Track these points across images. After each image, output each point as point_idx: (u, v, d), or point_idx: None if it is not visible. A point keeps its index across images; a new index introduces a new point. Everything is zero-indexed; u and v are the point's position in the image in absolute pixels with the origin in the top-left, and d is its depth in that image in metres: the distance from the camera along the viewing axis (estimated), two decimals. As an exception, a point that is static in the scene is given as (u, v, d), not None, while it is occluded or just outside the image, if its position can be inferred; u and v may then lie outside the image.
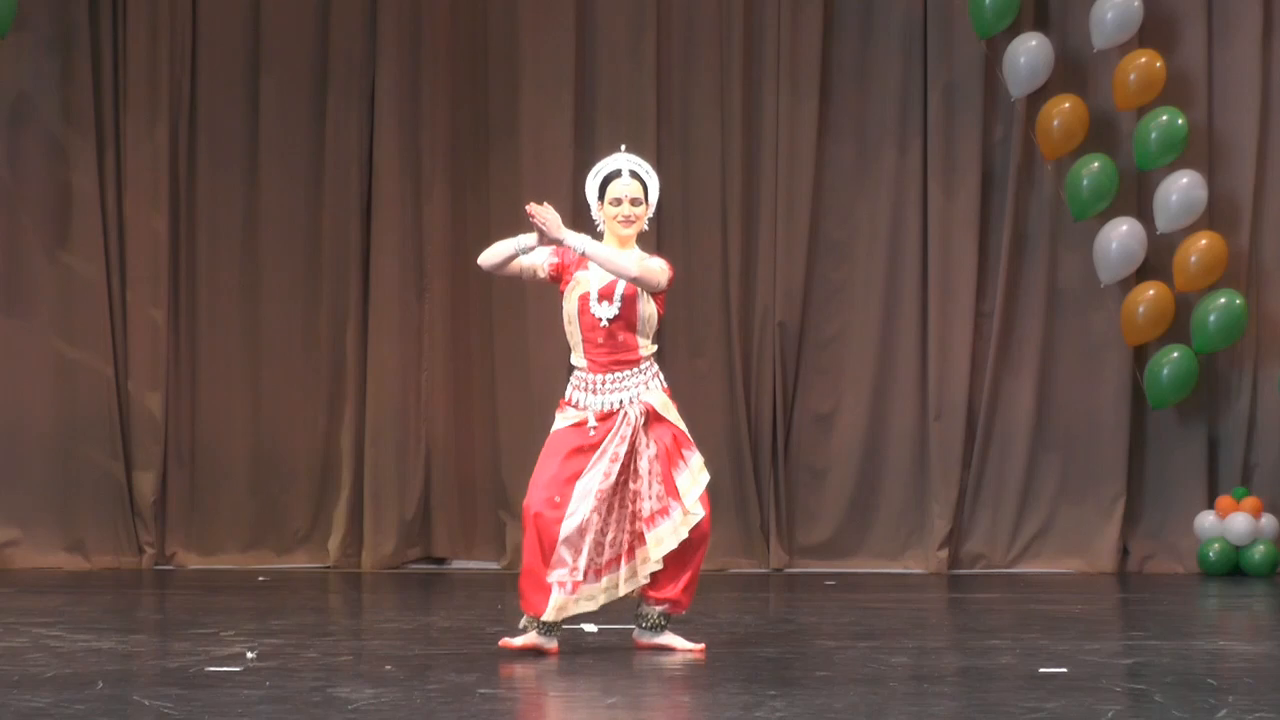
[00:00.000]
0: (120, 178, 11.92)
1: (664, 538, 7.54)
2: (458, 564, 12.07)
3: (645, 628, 7.69)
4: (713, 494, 11.71)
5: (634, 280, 7.59)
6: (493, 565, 11.94)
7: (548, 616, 7.47)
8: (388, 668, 7.10)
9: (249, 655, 7.34)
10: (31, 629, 8.31)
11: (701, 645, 7.70)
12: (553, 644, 7.54)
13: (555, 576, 7.47)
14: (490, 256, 7.64)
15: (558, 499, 7.47)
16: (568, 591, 7.46)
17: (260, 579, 11.19)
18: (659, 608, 7.63)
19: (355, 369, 12.03)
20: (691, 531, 7.57)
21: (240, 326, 12.10)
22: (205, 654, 7.46)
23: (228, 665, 7.09)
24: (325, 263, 12.10)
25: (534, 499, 7.50)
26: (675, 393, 11.78)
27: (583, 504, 7.46)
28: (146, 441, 11.90)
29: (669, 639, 7.68)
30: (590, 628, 8.14)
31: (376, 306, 12.01)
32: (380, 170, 12.04)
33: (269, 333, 12.11)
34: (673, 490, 7.56)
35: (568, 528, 7.44)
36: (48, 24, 11.81)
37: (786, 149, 12.03)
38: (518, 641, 7.53)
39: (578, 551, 7.45)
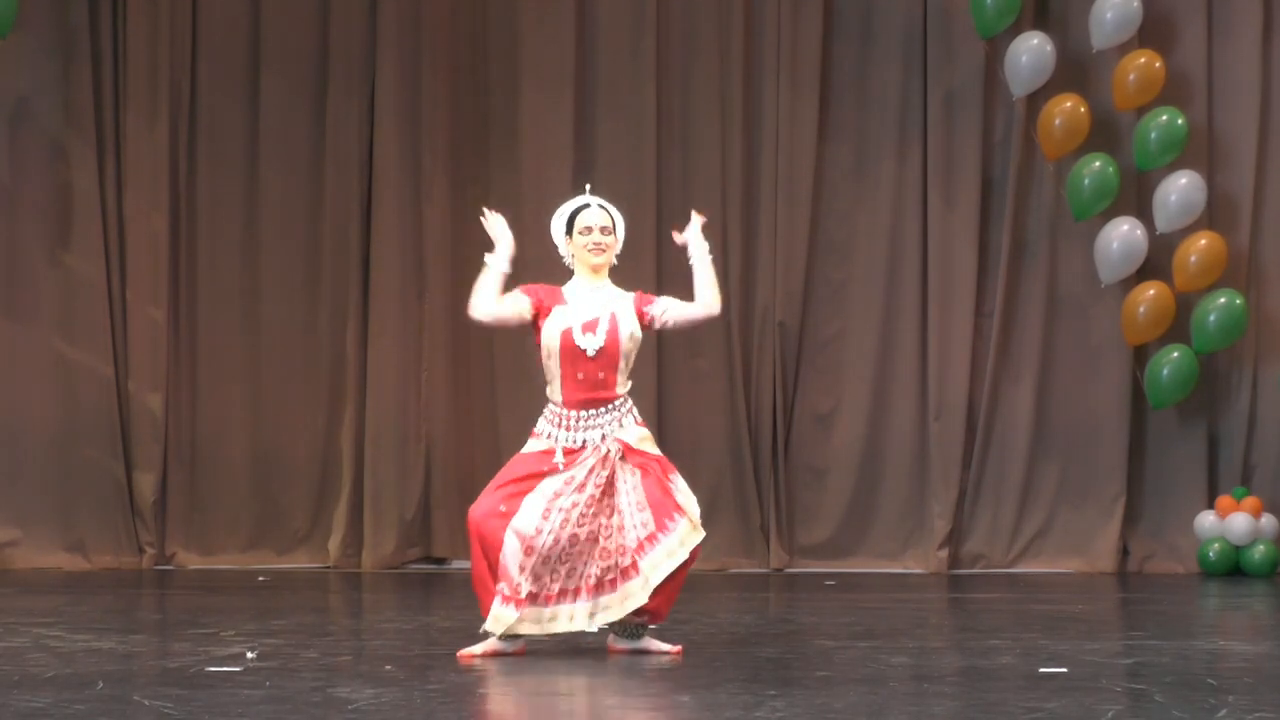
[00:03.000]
0: (120, 178, 11.93)
1: (659, 562, 7.34)
2: (458, 564, 12.07)
3: (622, 635, 7.53)
4: (713, 494, 11.89)
5: (711, 313, 7.59)
6: (493, 565, 11.92)
7: (488, 626, 7.37)
8: (388, 668, 7.10)
9: (249, 655, 7.33)
10: (31, 629, 8.31)
11: (678, 646, 7.61)
12: (516, 645, 7.45)
13: (499, 587, 7.36)
14: (482, 299, 7.52)
15: (503, 508, 7.35)
16: (512, 606, 7.32)
17: (260, 579, 11.19)
18: (639, 618, 7.47)
19: (355, 369, 12.04)
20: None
21: (240, 326, 12.10)
22: (205, 654, 7.45)
23: (228, 665, 7.09)
24: (325, 263, 12.11)
25: (479, 506, 7.40)
26: (675, 393, 11.97)
27: (541, 522, 7.30)
28: (146, 441, 11.90)
29: (646, 643, 7.54)
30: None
31: (376, 306, 12.02)
32: (380, 170, 12.04)
33: (269, 333, 12.12)
34: (667, 512, 7.37)
35: (511, 541, 7.30)
36: (48, 25, 11.81)
37: (786, 148, 12.04)
38: (478, 649, 7.44)
39: (520, 569, 7.31)
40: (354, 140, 12.08)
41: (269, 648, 7.64)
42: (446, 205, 12.10)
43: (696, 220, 7.69)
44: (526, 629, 7.38)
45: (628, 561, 7.37)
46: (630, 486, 7.42)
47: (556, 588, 7.38)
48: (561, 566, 7.36)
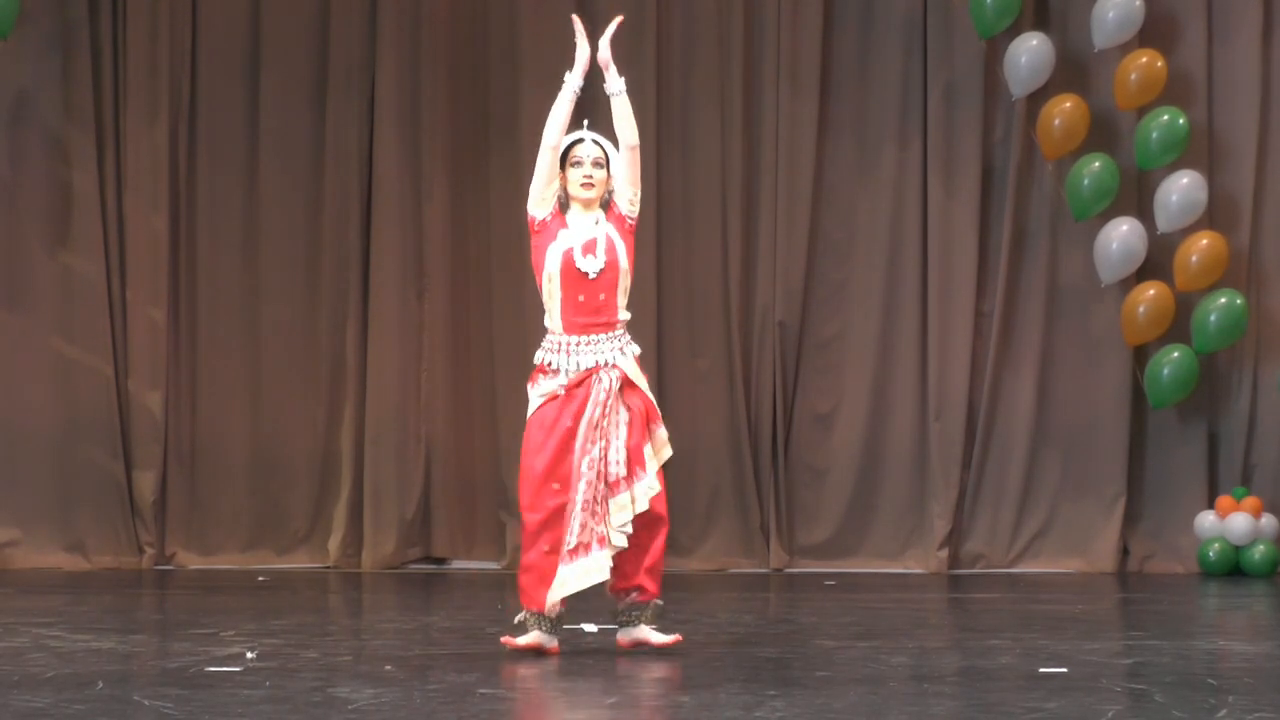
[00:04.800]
0: (120, 177, 11.93)
1: (624, 505, 7.43)
2: (458, 564, 12.07)
3: (623, 624, 7.60)
4: (713, 494, 11.90)
5: (632, 147, 7.73)
6: (493, 565, 11.93)
7: (552, 595, 7.41)
8: (388, 668, 7.10)
9: (249, 655, 7.34)
10: (31, 629, 8.31)
11: (676, 636, 7.61)
12: (554, 642, 7.53)
13: (563, 554, 7.42)
14: (553, 128, 7.88)
15: (556, 486, 7.43)
16: (567, 562, 7.40)
17: (260, 579, 11.19)
18: (628, 598, 7.54)
19: (355, 369, 12.03)
20: (648, 510, 7.46)
21: (240, 326, 12.10)
22: (205, 654, 7.46)
23: (228, 665, 7.09)
24: (325, 263, 12.10)
25: (535, 497, 7.44)
26: (675, 393, 11.96)
27: (580, 480, 7.40)
28: (146, 441, 11.90)
29: (644, 633, 7.57)
30: (590, 628, 8.14)
31: (376, 306, 12.01)
32: (380, 170, 12.03)
33: (269, 333, 12.11)
34: (638, 459, 7.48)
35: (573, 505, 7.41)
36: (48, 22, 11.81)
37: (786, 148, 12.03)
38: (521, 641, 7.49)
39: (582, 526, 7.39)
40: (354, 139, 12.07)
41: (269, 648, 7.64)
42: (446, 205, 12.09)
43: (613, 25, 7.98)
44: (591, 579, 7.41)
45: (605, 494, 7.46)
46: (622, 420, 7.48)
47: (601, 531, 7.42)
48: (600, 507, 7.42)
